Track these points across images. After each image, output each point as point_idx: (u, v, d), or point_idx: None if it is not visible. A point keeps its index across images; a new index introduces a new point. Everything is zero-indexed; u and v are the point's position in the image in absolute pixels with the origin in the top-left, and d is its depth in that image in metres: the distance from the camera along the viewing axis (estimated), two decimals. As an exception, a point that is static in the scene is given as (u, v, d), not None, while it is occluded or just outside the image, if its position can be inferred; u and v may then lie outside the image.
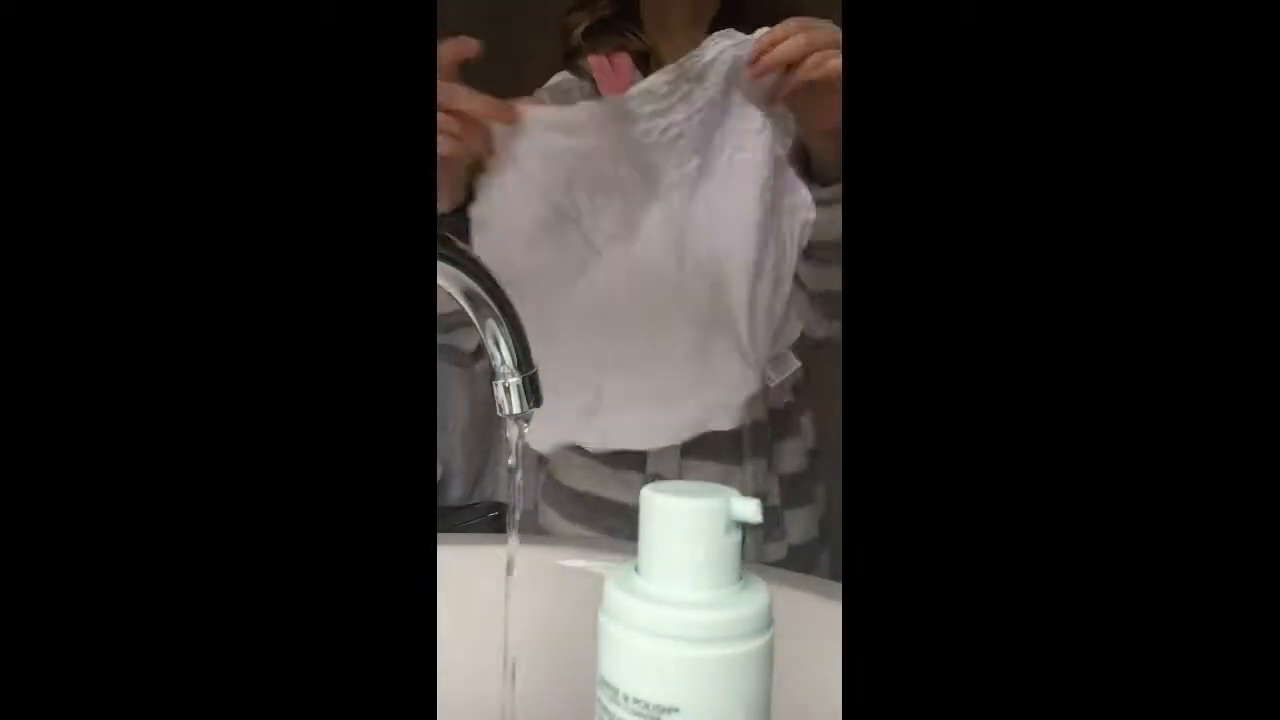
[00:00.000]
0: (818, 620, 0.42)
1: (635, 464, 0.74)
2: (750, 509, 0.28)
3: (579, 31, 0.72)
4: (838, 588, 0.52)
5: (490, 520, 2.25)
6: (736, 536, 0.28)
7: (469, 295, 0.37)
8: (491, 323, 0.38)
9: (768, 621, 0.28)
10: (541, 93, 0.76)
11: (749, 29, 0.64)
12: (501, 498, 2.26)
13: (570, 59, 0.74)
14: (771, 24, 0.64)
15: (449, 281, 0.36)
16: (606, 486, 0.75)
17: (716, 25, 0.66)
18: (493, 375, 0.40)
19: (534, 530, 0.79)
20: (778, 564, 0.73)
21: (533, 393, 0.40)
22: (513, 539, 0.42)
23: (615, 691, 0.28)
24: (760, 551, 0.73)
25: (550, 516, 0.79)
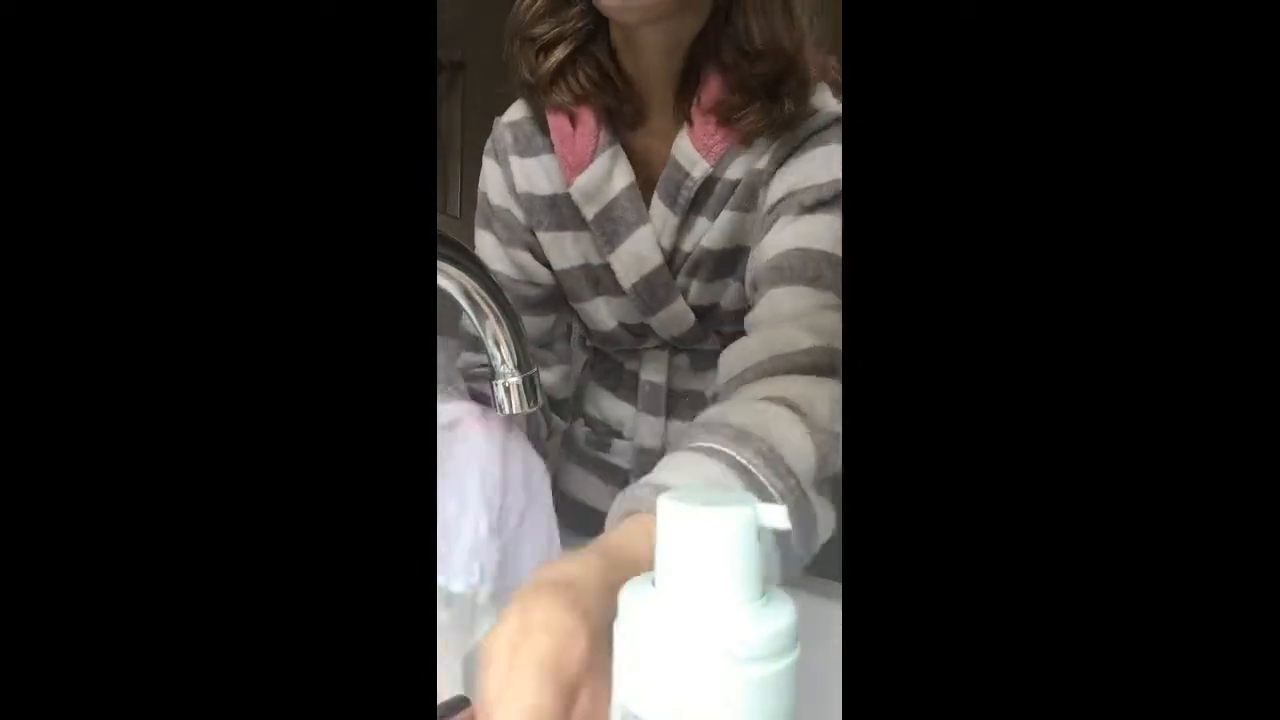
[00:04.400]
0: (818, 620, 0.41)
1: (621, 480, 0.76)
2: (779, 516, 0.26)
3: (549, 66, 0.62)
4: (838, 588, 0.52)
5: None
6: (763, 547, 0.27)
7: (469, 295, 0.37)
8: (491, 322, 0.38)
9: (794, 639, 0.26)
10: (503, 130, 0.70)
11: (728, 78, 0.60)
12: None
13: (532, 91, 0.65)
14: (746, 77, 0.59)
15: (449, 281, 0.36)
16: (593, 495, 0.78)
17: (694, 51, 0.62)
18: (493, 375, 0.40)
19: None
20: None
21: (532, 392, 0.40)
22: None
23: (628, 713, 0.27)
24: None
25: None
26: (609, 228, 0.66)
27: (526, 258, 0.70)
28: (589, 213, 0.66)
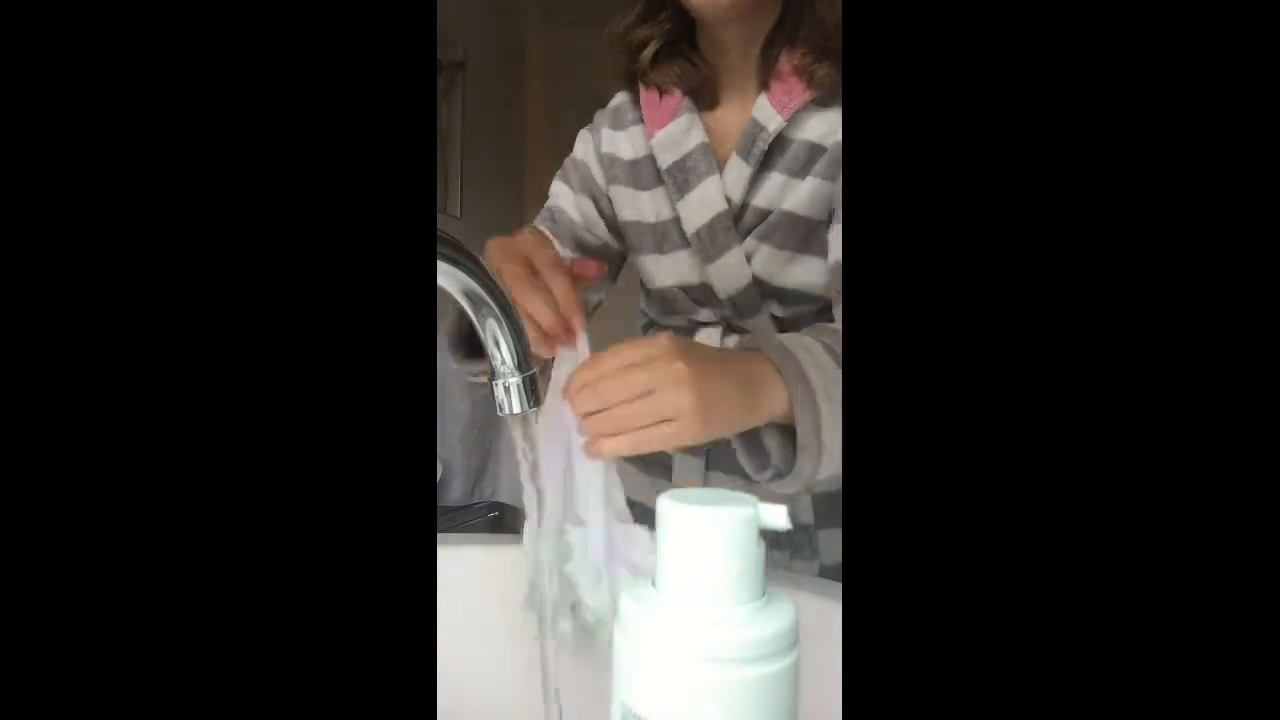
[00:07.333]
0: (818, 620, 0.41)
1: (666, 473, 0.76)
2: (779, 516, 0.26)
3: (647, 54, 0.74)
4: (838, 588, 0.52)
5: (490, 520, 2.25)
6: (763, 548, 0.27)
7: (469, 295, 0.37)
8: (492, 323, 0.38)
9: (793, 640, 0.26)
10: (602, 114, 0.82)
11: (804, 46, 0.68)
12: (502, 498, 2.26)
13: (631, 80, 0.78)
14: (822, 44, 0.67)
15: (449, 281, 0.36)
16: (639, 491, 0.78)
17: (771, 42, 0.70)
18: (492, 375, 0.40)
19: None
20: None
21: (532, 392, 0.40)
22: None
23: (629, 712, 0.27)
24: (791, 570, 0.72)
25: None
26: (681, 177, 0.74)
27: (590, 207, 0.80)
28: (665, 161, 0.74)
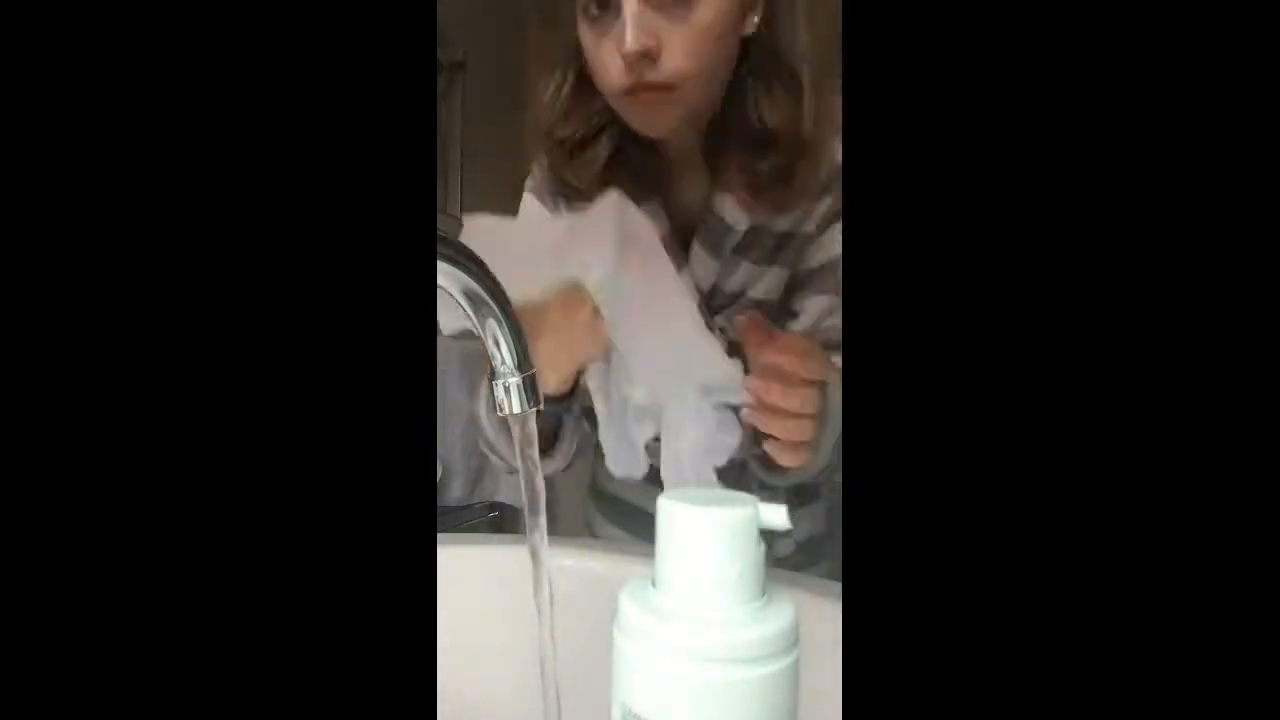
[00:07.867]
0: (818, 620, 0.41)
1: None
2: (779, 516, 0.26)
3: (592, 175, 0.63)
4: (838, 588, 0.52)
5: (490, 520, 2.25)
6: (763, 548, 0.27)
7: (469, 295, 0.37)
8: (492, 323, 0.38)
9: (793, 640, 0.26)
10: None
11: (739, 145, 0.61)
12: (502, 498, 2.26)
13: (576, 193, 0.66)
14: (759, 141, 0.60)
15: (449, 281, 0.36)
16: (635, 493, 0.79)
17: (710, 131, 0.63)
18: (492, 375, 0.40)
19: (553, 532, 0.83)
20: (782, 560, 0.74)
21: (532, 393, 0.40)
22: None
23: (629, 712, 0.27)
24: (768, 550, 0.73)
25: (597, 520, 0.84)
26: None
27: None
28: None
